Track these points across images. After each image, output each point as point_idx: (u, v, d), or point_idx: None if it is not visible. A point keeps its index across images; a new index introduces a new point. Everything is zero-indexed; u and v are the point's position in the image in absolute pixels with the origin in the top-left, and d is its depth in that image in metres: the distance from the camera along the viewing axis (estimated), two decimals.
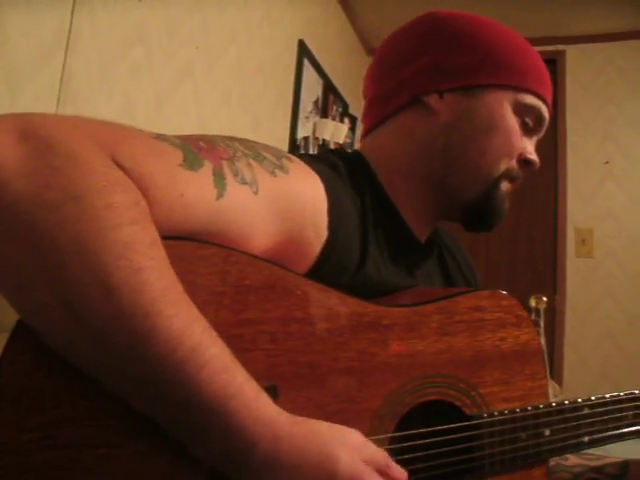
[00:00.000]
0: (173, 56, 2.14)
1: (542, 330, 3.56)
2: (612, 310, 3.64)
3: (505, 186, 0.97)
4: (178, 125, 2.14)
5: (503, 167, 0.95)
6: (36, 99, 1.58)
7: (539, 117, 0.97)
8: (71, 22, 1.68)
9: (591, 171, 3.85)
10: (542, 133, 1.01)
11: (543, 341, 3.50)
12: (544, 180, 3.89)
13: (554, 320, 3.72)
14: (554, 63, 4.00)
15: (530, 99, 0.95)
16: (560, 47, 4.02)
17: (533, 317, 3.60)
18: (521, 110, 0.95)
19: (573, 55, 4.01)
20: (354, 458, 0.64)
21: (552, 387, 2.92)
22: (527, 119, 0.95)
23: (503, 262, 3.93)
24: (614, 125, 3.84)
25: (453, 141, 0.94)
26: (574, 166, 3.88)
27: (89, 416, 0.57)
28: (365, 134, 1.05)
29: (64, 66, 1.66)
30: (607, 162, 3.81)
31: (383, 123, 1.00)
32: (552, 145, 3.91)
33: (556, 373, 3.58)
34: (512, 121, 0.94)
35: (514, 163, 0.96)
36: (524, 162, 0.97)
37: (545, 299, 3.65)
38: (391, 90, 0.99)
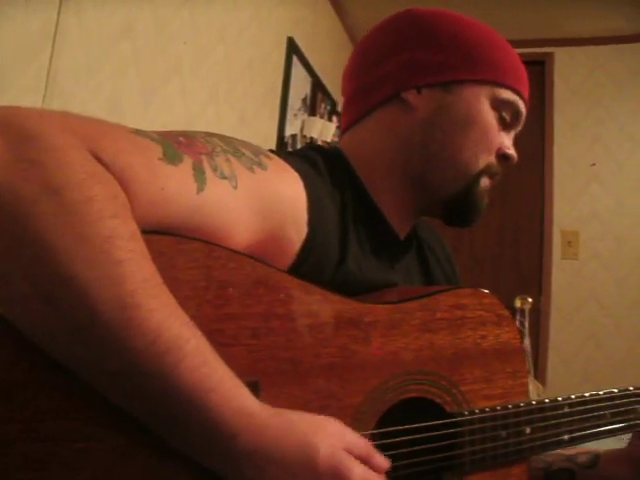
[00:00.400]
0: (161, 53, 2.14)
1: (527, 331, 3.59)
2: (596, 312, 3.67)
3: (485, 182, 0.98)
4: (165, 122, 2.14)
5: (482, 163, 0.96)
6: (22, 95, 1.57)
7: (516, 112, 0.98)
8: (58, 18, 1.67)
9: (577, 173, 3.87)
10: (519, 128, 1.01)
11: (527, 342, 3.52)
12: (530, 182, 3.91)
13: (539, 321, 3.74)
14: (542, 65, 4.03)
15: (507, 94, 0.96)
16: (548, 49, 4.04)
17: (518, 318, 3.62)
18: (498, 105, 0.95)
19: (561, 57, 4.03)
20: (334, 446, 0.64)
21: (535, 387, 2.94)
22: (504, 114, 0.96)
23: (488, 263, 3.95)
24: (601, 128, 3.87)
25: (431, 137, 0.95)
26: (560, 168, 3.91)
27: (69, 409, 0.57)
28: (344, 131, 1.06)
29: (51, 62, 1.66)
30: (594, 164, 3.83)
31: (362, 119, 1.00)
32: (539, 147, 3.94)
33: (540, 373, 3.60)
34: (489, 116, 0.95)
35: (493, 158, 0.97)
36: (502, 157, 0.97)
37: (530, 300, 3.67)
38: (369, 86, 0.99)
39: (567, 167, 3.90)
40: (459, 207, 0.98)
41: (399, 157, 0.96)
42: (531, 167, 3.93)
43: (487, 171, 0.97)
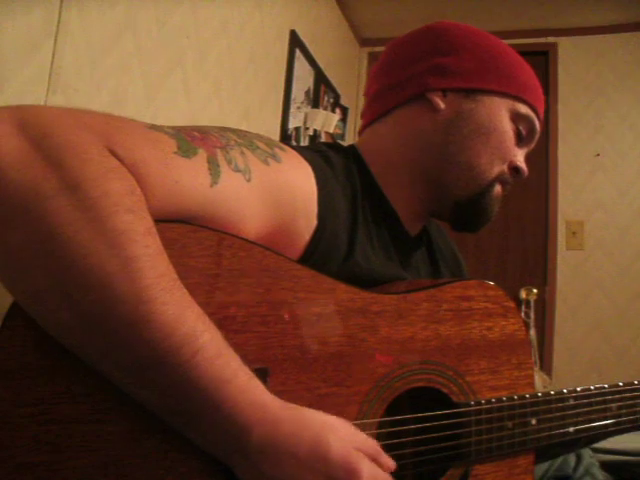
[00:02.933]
0: (163, 46, 2.13)
1: (532, 322, 3.59)
2: (602, 302, 3.66)
3: (498, 189, 1.00)
4: (168, 116, 2.14)
5: (496, 170, 0.98)
6: (25, 90, 1.57)
7: (532, 128, 1.01)
8: (60, 11, 1.67)
9: (581, 163, 3.86)
10: (533, 145, 1.04)
11: (533, 332, 3.52)
12: (535, 172, 3.87)
13: (544, 312, 3.74)
14: (546, 55, 4.00)
15: (525, 109, 0.99)
16: (552, 39, 4.02)
17: (523, 309, 3.62)
18: (517, 118, 0.99)
19: (565, 47, 4.01)
20: (345, 444, 0.65)
21: (542, 379, 2.94)
22: (521, 128, 1.00)
23: (493, 254, 3.94)
24: (604, 118, 3.86)
25: (451, 139, 0.97)
26: (565, 158, 3.89)
27: (82, 393, 0.58)
28: (364, 128, 1.08)
29: (53, 56, 1.65)
30: (598, 154, 3.82)
31: (385, 115, 1.03)
32: (543, 137, 3.91)
33: (546, 364, 3.60)
34: (508, 127, 0.98)
35: (506, 168, 1.00)
36: (514, 169, 1.00)
37: (535, 291, 3.68)
38: (396, 84, 1.02)
39: (571, 157, 3.88)
40: (470, 211, 1.00)
41: (417, 154, 0.99)
42: (535, 157, 3.89)
43: (499, 179, 1.00)
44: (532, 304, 3.66)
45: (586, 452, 1.22)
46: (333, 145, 1.01)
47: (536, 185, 3.92)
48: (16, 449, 0.55)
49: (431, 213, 1.05)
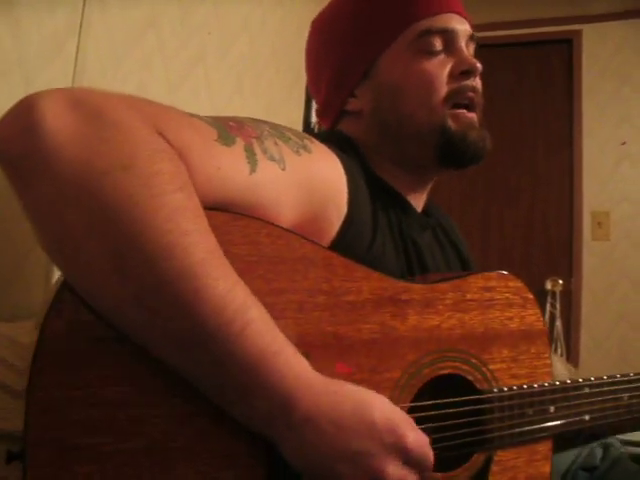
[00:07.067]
0: (185, 43, 2.15)
1: (558, 313, 3.57)
2: (628, 292, 3.62)
3: (458, 115, 0.97)
4: (190, 111, 2.15)
5: (438, 104, 0.96)
6: (50, 87, 1.59)
7: (436, 31, 0.96)
8: (83, 9, 1.69)
9: (607, 153, 3.81)
10: (461, 37, 0.99)
11: (559, 324, 3.48)
12: (560, 163, 3.87)
13: (570, 303, 3.71)
14: (570, 43, 3.95)
15: (415, 29, 0.96)
16: (576, 27, 3.97)
17: (549, 300, 3.60)
18: (417, 45, 0.96)
19: (589, 35, 3.95)
20: (387, 407, 0.67)
21: (567, 369, 2.92)
22: (429, 45, 0.96)
23: (518, 245, 3.92)
24: (629, 106, 3.80)
25: (385, 120, 1.00)
26: (590, 148, 3.85)
27: (126, 377, 0.60)
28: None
29: (77, 54, 1.67)
30: (624, 143, 3.77)
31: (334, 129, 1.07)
32: (567, 127, 3.89)
33: (573, 356, 3.58)
34: (415, 65, 0.96)
35: (447, 89, 0.96)
36: (462, 75, 0.97)
37: (561, 282, 3.66)
38: (323, 111, 1.09)
39: (596, 147, 3.83)
40: (451, 149, 0.98)
41: (376, 149, 1.01)
42: (560, 148, 3.88)
43: (449, 103, 0.96)
44: (558, 295, 3.64)
45: (614, 443, 1.23)
46: (339, 136, 1.03)
47: (561, 175, 3.89)
48: (65, 431, 0.57)
49: (426, 178, 1.06)
